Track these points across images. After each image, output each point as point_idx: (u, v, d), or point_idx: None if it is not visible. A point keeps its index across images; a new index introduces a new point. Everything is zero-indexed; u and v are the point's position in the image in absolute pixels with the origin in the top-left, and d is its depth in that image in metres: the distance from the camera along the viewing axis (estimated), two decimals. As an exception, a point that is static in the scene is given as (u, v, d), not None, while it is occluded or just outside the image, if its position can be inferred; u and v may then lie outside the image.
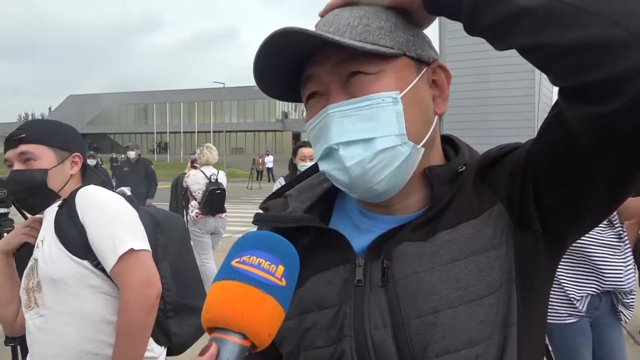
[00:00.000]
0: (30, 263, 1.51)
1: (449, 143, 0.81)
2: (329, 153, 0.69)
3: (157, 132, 54.84)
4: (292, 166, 4.41)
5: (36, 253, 1.49)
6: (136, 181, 7.69)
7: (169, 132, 53.93)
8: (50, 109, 75.82)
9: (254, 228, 0.80)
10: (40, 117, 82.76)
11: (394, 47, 0.69)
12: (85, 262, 1.43)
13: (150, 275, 1.44)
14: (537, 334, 0.73)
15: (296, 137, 46.51)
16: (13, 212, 3.28)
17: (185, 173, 5.91)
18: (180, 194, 5.60)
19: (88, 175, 1.60)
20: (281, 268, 0.55)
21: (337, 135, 0.67)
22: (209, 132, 49.86)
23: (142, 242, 1.46)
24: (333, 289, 0.72)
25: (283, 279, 0.54)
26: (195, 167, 5.95)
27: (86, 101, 61.44)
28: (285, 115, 55.78)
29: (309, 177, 0.86)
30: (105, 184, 1.65)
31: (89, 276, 1.44)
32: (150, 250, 1.48)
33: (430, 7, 0.67)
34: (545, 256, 0.70)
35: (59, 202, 1.52)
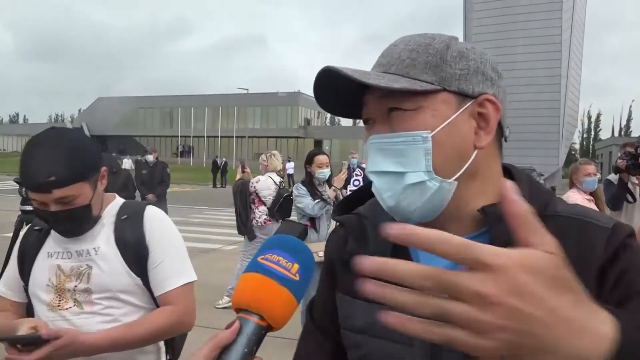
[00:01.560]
0: (71, 264, 1.50)
1: (509, 173, 0.81)
2: (371, 175, 0.76)
3: (181, 136, 55.64)
4: (308, 174, 4.51)
5: (87, 260, 1.49)
6: (155, 183, 7.89)
7: (193, 136, 54.64)
8: (79, 110, 77.62)
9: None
10: (69, 119, 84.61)
11: (435, 82, 0.72)
12: (139, 280, 1.51)
13: (194, 306, 1.59)
14: None
15: (318, 143, 46.71)
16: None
17: (241, 178, 6.03)
18: (246, 199, 5.63)
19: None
20: (296, 266, 0.67)
21: (372, 165, 0.75)
22: (232, 137, 50.40)
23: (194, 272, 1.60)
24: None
25: (297, 275, 0.67)
26: (244, 172, 6.19)
27: (114, 104, 62.71)
28: (308, 122, 56.01)
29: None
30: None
31: (137, 292, 1.52)
32: None
33: None
34: None
35: (122, 216, 1.55)
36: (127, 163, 27.30)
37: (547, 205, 0.76)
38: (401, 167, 0.72)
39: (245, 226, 5.62)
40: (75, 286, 1.49)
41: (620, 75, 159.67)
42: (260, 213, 5.56)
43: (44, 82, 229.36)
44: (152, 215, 1.57)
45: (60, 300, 1.50)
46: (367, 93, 0.76)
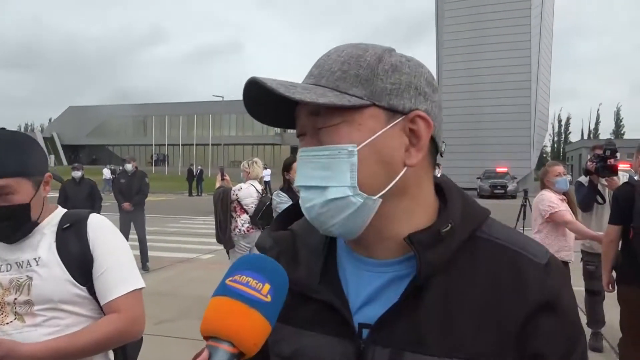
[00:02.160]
0: (10, 276, 1.45)
1: (442, 191, 0.79)
2: (299, 189, 0.75)
3: (155, 144, 54.96)
4: (286, 181, 4.51)
5: (27, 271, 1.44)
6: (133, 192, 7.80)
7: (168, 145, 54.02)
8: (50, 119, 75.99)
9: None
10: (40, 128, 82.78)
11: (364, 96, 0.70)
12: (84, 289, 1.45)
13: (142, 314, 1.52)
14: None
15: (294, 150, 46.54)
16: None
17: (221, 186, 5.83)
18: (227, 207, 5.47)
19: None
20: (267, 286, 0.63)
21: (300, 178, 0.73)
22: (208, 145, 50.03)
23: (141, 279, 1.55)
24: (330, 357, 0.74)
25: (269, 296, 0.63)
26: (224, 179, 6.05)
27: (86, 112, 61.63)
28: (284, 129, 55.98)
29: None
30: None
31: (82, 302, 1.46)
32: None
33: None
34: None
35: (64, 225, 1.50)
36: (106, 173, 26.92)
37: (480, 226, 0.75)
38: (325, 181, 0.70)
39: (224, 235, 5.51)
40: (15, 299, 1.43)
41: (589, 80, 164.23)
42: (242, 221, 5.45)
43: (13, 91, 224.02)
44: (96, 222, 1.53)
45: (0, 315, 1.44)
46: (298, 105, 0.74)
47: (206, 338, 0.62)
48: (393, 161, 0.71)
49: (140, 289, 1.52)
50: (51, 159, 51.23)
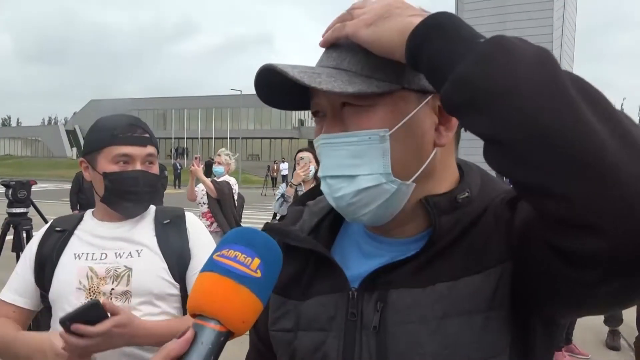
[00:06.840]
0: (107, 265, 1.40)
1: (460, 170, 0.77)
2: (323, 179, 0.71)
3: (175, 138, 55.51)
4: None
5: (125, 261, 1.40)
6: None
7: (187, 138, 54.53)
8: (74, 113, 77.23)
9: None
10: (63, 121, 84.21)
11: (393, 80, 0.66)
12: (177, 286, 1.43)
13: None
14: None
15: (312, 144, 46.73)
16: (31, 213, 3.46)
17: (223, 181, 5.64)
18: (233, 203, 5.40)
19: None
20: (257, 261, 0.59)
21: (325, 168, 0.69)
22: (226, 138, 50.33)
23: None
24: (325, 313, 0.73)
25: (258, 271, 0.59)
26: None
27: (106, 106, 62.26)
28: (302, 122, 56.04)
29: None
30: None
31: (171, 299, 1.43)
32: None
33: (413, 64, 0.60)
34: (541, 332, 0.67)
35: (164, 220, 1.50)
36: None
37: (503, 199, 0.70)
38: (354, 169, 0.66)
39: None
40: (113, 289, 1.37)
41: (612, 73, 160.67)
42: None
43: (38, 84, 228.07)
44: (194, 220, 1.55)
45: None
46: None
47: (193, 316, 0.59)
48: (424, 142, 0.68)
49: None
50: (73, 152, 52.18)
